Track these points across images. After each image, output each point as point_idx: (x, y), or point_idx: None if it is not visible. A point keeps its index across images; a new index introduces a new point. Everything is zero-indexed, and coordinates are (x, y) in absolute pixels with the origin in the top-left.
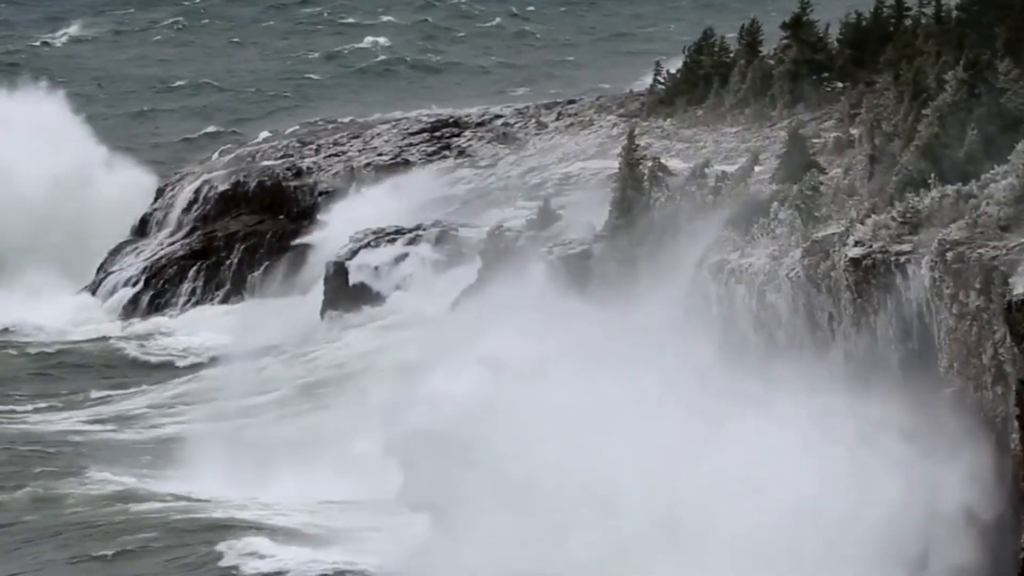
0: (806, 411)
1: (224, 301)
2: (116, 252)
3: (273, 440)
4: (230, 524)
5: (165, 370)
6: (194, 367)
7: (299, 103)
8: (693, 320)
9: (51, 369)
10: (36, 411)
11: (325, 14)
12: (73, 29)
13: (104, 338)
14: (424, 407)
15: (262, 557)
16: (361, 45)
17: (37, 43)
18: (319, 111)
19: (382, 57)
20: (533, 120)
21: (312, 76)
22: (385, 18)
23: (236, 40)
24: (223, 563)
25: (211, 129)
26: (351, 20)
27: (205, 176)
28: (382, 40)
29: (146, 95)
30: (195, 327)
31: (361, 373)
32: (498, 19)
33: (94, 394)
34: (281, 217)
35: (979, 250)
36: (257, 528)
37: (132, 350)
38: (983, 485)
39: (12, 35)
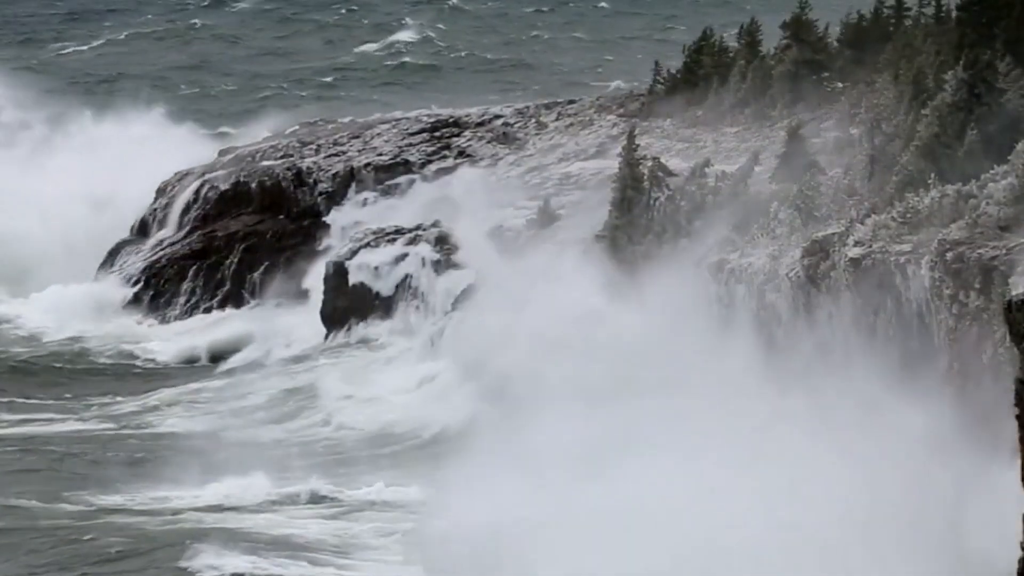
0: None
1: (223, 303)
2: (116, 252)
3: (254, 443)
4: (203, 532)
5: (154, 374)
6: (186, 374)
7: (316, 105)
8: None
9: (37, 369)
10: (11, 408)
11: (342, 11)
12: (86, 34)
13: (98, 338)
14: (451, 515)
15: (237, 568)
16: (380, 48)
17: (51, 52)
18: (339, 113)
19: (403, 60)
20: (533, 120)
21: (325, 79)
22: (404, 21)
23: (250, 44)
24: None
25: (223, 130)
26: (366, 22)
27: (205, 176)
28: (401, 42)
29: (161, 97)
30: (189, 333)
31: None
32: (516, 25)
33: (77, 397)
34: (281, 217)
35: (979, 250)
36: (236, 537)
37: (125, 352)
38: None
39: (15, 41)
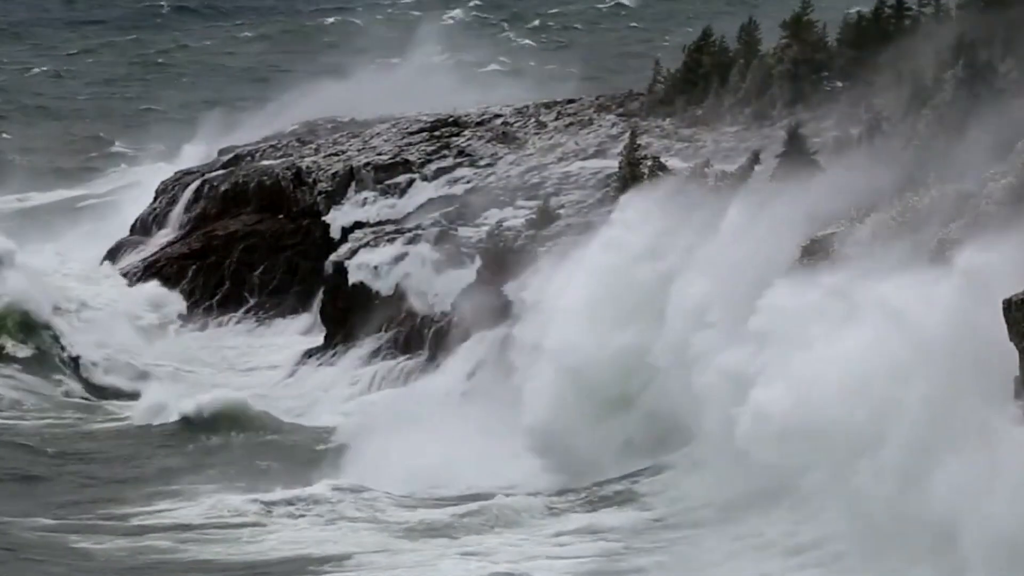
0: None
1: (223, 303)
2: (115, 251)
3: None
4: None
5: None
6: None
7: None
8: None
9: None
10: None
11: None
12: (97, 47)
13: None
14: None
15: None
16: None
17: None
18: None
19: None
20: (532, 119)
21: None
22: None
23: (281, 53)
24: None
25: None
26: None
27: (205, 176)
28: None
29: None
30: (175, 350)
31: None
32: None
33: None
34: (281, 217)
35: None
36: None
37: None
38: None
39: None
